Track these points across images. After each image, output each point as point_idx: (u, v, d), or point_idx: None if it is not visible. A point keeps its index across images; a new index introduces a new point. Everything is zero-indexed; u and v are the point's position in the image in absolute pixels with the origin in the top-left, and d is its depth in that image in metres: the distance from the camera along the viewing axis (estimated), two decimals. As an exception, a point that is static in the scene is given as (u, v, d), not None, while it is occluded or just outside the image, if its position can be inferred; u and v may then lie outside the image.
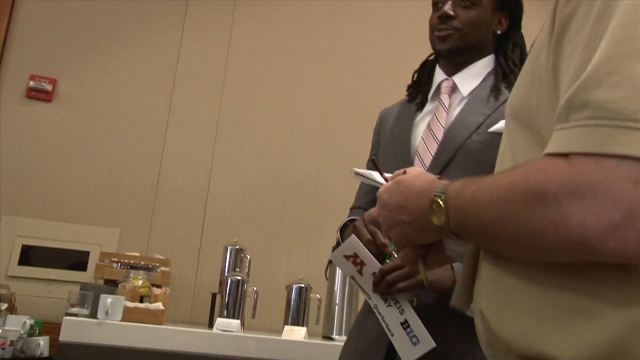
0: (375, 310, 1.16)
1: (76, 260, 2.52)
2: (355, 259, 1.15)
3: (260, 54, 2.97)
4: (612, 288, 0.57)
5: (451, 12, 1.37)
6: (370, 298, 1.17)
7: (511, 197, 0.59)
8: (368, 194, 1.48)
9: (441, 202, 0.69)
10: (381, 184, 0.97)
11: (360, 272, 1.16)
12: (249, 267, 2.46)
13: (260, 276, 2.66)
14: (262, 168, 2.84)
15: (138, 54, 2.82)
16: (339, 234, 1.41)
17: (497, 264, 0.69)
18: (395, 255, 1.17)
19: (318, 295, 2.37)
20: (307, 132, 2.94)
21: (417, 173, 0.84)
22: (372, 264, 1.15)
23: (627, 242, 0.51)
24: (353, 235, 1.16)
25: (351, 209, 1.53)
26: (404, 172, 0.86)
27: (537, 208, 0.55)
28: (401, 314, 1.13)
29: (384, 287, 1.13)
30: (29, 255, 2.48)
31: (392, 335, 1.13)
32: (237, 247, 2.45)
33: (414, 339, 1.11)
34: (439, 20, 1.38)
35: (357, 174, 1.07)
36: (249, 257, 2.47)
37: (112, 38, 2.80)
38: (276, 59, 2.98)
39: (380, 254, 1.17)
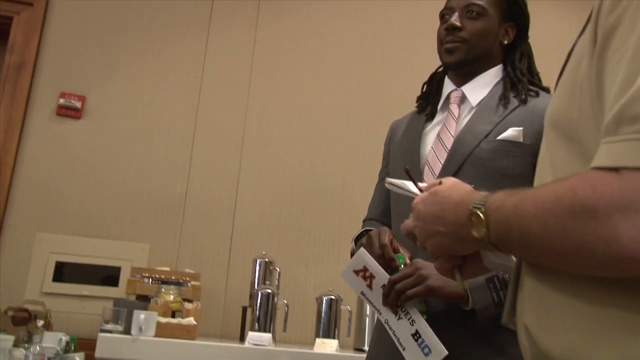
0: (386, 325, 1.16)
1: (108, 276, 2.55)
2: (364, 273, 1.16)
3: (285, 63, 2.98)
4: None
5: (458, 24, 1.37)
6: (381, 314, 1.17)
7: (558, 210, 0.58)
8: (380, 205, 1.50)
9: (481, 214, 0.68)
10: (415, 194, 0.96)
11: (370, 286, 1.16)
12: (278, 280, 2.46)
13: (290, 288, 2.66)
14: (288, 178, 2.85)
15: (163, 67, 2.85)
16: (353, 244, 1.42)
17: (540, 278, 0.69)
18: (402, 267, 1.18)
19: (349, 307, 2.36)
20: (333, 141, 2.94)
21: (453, 183, 0.83)
22: (382, 276, 1.16)
23: None
24: (362, 248, 1.17)
25: (364, 220, 1.54)
26: (440, 183, 0.85)
27: (587, 223, 0.55)
28: (412, 325, 1.13)
29: (394, 296, 1.14)
30: (63, 272, 2.52)
31: (403, 349, 1.13)
32: (266, 259, 2.45)
33: (426, 350, 1.11)
34: (446, 32, 1.39)
35: (391, 184, 1.06)
36: (278, 269, 2.47)
37: (137, 53, 2.84)
38: (300, 67, 2.99)
39: (390, 267, 1.18)
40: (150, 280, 2.33)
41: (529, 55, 1.44)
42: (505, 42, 1.43)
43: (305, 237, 2.81)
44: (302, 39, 3.02)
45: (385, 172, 1.54)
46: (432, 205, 0.80)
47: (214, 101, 2.87)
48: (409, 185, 1.00)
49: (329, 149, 2.92)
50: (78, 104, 2.69)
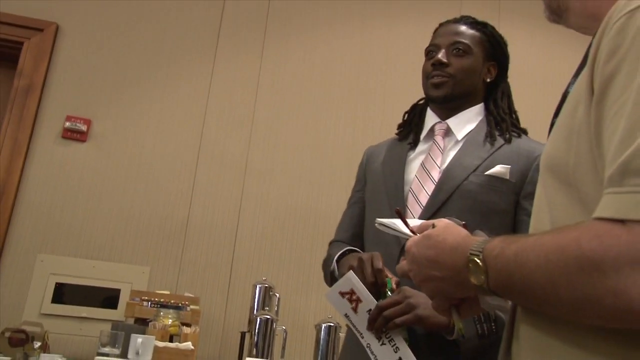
0: (367, 349, 1.15)
1: (107, 298, 2.55)
2: (351, 296, 1.15)
3: (289, 93, 3.02)
4: None
5: (445, 60, 1.43)
6: (363, 337, 1.15)
7: (563, 261, 0.57)
8: (350, 230, 1.51)
9: (479, 262, 0.68)
10: (408, 235, 0.96)
11: (355, 309, 1.15)
12: (277, 306, 2.45)
13: (290, 315, 2.64)
14: (290, 205, 2.86)
15: (169, 94, 2.89)
16: (335, 263, 1.42)
17: (537, 324, 0.68)
18: (390, 294, 1.17)
19: (355, 332, 2.34)
20: (335, 168, 2.95)
21: (446, 225, 0.82)
22: (369, 301, 1.15)
23: None
24: (351, 271, 1.17)
25: (331, 242, 1.55)
26: (433, 225, 0.84)
27: (593, 275, 0.54)
28: (395, 352, 1.12)
29: (381, 322, 1.13)
30: (62, 293, 2.52)
31: None
32: (266, 285, 2.44)
33: None
34: (433, 67, 1.44)
35: (381, 224, 1.06)
36: (277, 295, 2.46)
37: (144, 79, 2.89)
38: (304, 96, 3.03)
39: (378, 292, 1.18)
40: (149, 303, 2.33)
41: (508, 95, 1.50)
42: (488, 80, 1.48)
43: (305, 264, 2.80)
44: (307, 69, 3.07)
45: (357, 196, 1.56)
46: (427, 249, 0.80)
47: (218, 129, 2.90)
48: (400, 225, 1.00)
49: (332, 178, 2.93)
50: (84, 127, 2.72)
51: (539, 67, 3.03)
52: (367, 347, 1.15)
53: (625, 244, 0.53)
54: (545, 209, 0.72)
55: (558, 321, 0.64)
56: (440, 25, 1.56)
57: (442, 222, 0.84)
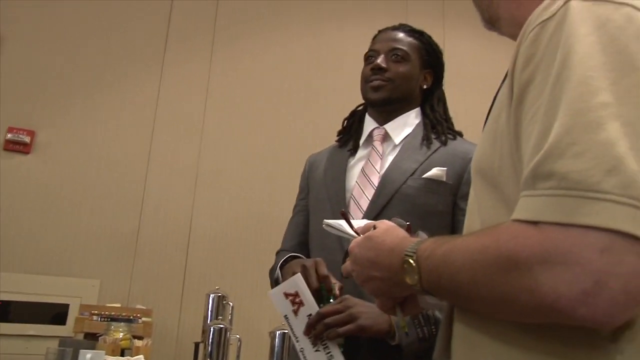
0: (300, 354, 1.16)
1: (56, 314, 2.48)
2: (294, 298, 1.16)
3: (239, 98, 3.00)
4: (583, 352, 0.59)
5: (384, 65, 1.45)
6: (298, 341, 1.16)
7: (484, 261, 0.60)
8: (295, 238, 1.53)
9: (413, 262, 0.70)
10: (352, 236, 0.98)
11: (295, 312, 1.16)
12: (231, 314, 2.43)
13: (244, 323, 2.63)
14: (243, 213, 2.84)
15: (116, 101, 2.84)
16: (279, 271, 1.43)
17: (469, 322, 0.71)
18: (332, 300, 1.18)
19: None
20: (287, 173, 2.95)
21: (387, 228, 0.85)
22: (311, 306, 1.16)
23: (597, 310, 0.53)
24: (299, 274, 1.18)
25: (278, 252, 1.56)
26: (374, 227, 0.86)
27: (511, 273, 0.57)
28: (329, 359, 1.13)
29: (321, 329, 1.14)
30: (8, 311, 2.44)
31: None
32: (220, 294, 2.42)
33: None
34: (372, 72, 1.48)
35: (328, 225, 1.08)
36: (231, 304, 2.44)
37: (90, 87, 2.82)
38: (255, 102, 3.02)
39: (319, 296, 1.19)
40: (100, 317, 2.28)
41: (444, 102, 1.55)
42: (424, 86, 1.53)
43: (260, 272, 2.77)
44: (257, 73, 3.06)
45: (301, 204, 1.58)
46: (368, 250, 0.82)
47: (168, 135, 2.86)
48: (345, 226, 1.02)
49: (284, 183, 2.93)
50: (27, 139, 2.65)
51: (483, 69, 3.10)
52: (301, 351, 1.15)
53: (537, 244, 0.55)
54: (476, 211, 0.76)
55: (488, 319, 0.67)
56: (379, 32, 1.60)
57: (383, 224, 0.87)
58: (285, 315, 1.17)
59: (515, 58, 0.67)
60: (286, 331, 2.30)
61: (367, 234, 0.86)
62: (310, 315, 1.16)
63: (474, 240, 0.63)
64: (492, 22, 0.89)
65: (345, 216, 1.03)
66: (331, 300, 1.20)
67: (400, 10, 3.31)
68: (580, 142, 0.55)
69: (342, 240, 1.26)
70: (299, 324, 1.16)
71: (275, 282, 1.48)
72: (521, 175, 0.63)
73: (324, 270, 1.22)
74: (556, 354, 0.60)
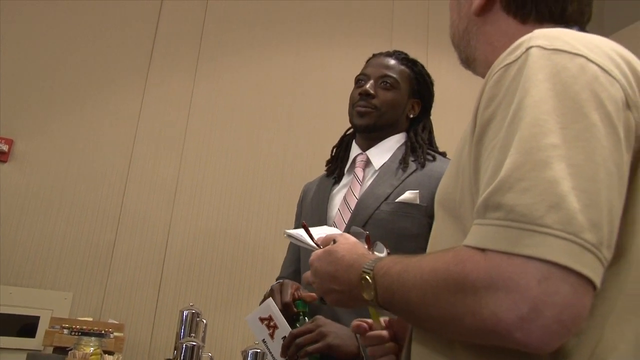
0: None
1: (25, 327, 2.44)
2: (269, 322, 1.19)
3: (221, 114, 3.01)
4: None
5: (372, 91, 1.47)
6: None
7: (434, 282, 0.63)
8: (292, 265, 1.54)
9: (369, 279, 0.74)
10: (312, 247, 1.01)
11: (272, 335, 1.19)
12: (204, 332, 2.42)
13: (217, 341, 2.61)
14: (220, 230, 2.84)
15: (98, 113, 2.83)
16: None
17: (423, 341, 0.75)
18: (306, 320, 1.20)
19: (270, 358, 2.34)
20: (267, 195, 2.96)
21: (347, 243, 0.88)
22: (284, 328, 1.20)
23: (531, 336, 0.56)
24: (270, 298, 1.20)
25: (277, 279, 1.57)
26: (334, 241, 0.90)
27: (457, 295, 0.60)
28: None
29: (293, 350, 1.16)
30: (-24, 322, 2.40)
31: None
32: (193, 310, 2.41)
33: None
34: (360, 97, 1.49)
35: (289, 235, 1.10)
36: (205, 321, 2.43)
37: (72, 97, 2.81)
38: (236, 120, 3.02)
39: (292, 318, 1.21)
40: (70, 331, 2.25)
41: (430, 130, 1.57)
42: (411, 115, 1.55)
43: (235, 290, 2.78)
44: (240, 90, 3.07)
45: None
46: (328, 265, 0.86)
47: (149, 150, 2.86)
48: (305, 237, 1.04)
49: (263, 202, 2.94)
50: (5, 147, 2.62)
51: (463, 96, 3.15)
52: None
53: (483, 270, 0.58)
54: (439, 240, 0.80)
55: (440, 337, 0.71)
56: (374, 55, 1.61)
57: (342, 238, 0.90)
58: (263, 340, 1.20)
59: (480, 97, 0.71)
60: (258, 350, 2.30)
61: (327, 248, 0.89)
62: (284, 337, 1.18)
63: (426, 261, 0.66)
64: (468, 63, 0.94)
65: (306, 228, 1.06)
66: (306, 319, 1.22)
67: (385, 34, 3.36)
68: (528, 178, 0.58)
69: None
70: (276, 346, 1.20)
71: None
72: None
73: (285, 296, 1.24)
74: None
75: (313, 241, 1.03)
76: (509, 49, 0.70)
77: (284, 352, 1.18)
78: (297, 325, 1.23)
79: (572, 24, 0.82)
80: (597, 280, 0.57)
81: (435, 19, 3.41)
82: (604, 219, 0.58)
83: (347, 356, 1.18)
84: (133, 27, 2.98)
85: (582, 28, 0.84)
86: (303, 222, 1.11)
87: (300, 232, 1.08)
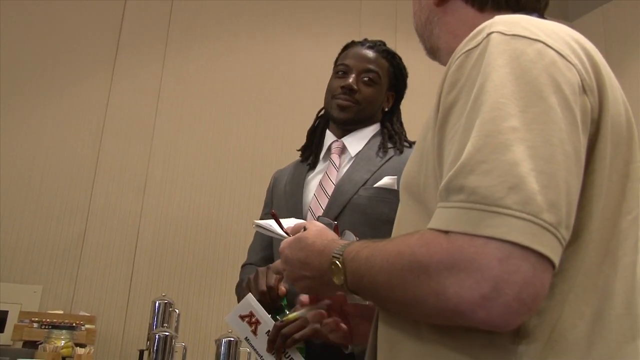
0: None
1: (-7, 321, 2.40)
2: (250, 319, 1.17)
3: (190, 104, 2.98)
4: (490, 352, 0.64)
5: (355, 87, 1.47)
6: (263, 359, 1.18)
7: (399, 265, 0.64)
8: (261, 252, 1.54)
9: (339, 264, 0.75)
10: (282, 236, 1.01)
11: (254, 332, 1.17)
12: (177, 322, 2.41)
13: (191, 331, 2.61)
14: (191, 220, 2.83)
15: (64, 104, 2.78)
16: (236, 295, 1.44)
17: (390, 322, 0.76)
18: (287, 312, 1.20)
19: (248, 349, 2.35)
20: (236, 180, 2.95)
21: (317, 230, 0.89)
22: (267, 322, 1.17)
23: (493, 314, 0.57)
24: (250, 294, 1.19)
25: (243, 265, 1.57)
26: (305, 228, 0.91)
27: (421, 277, 0.61)
28: None
29: (280, 342, 1.16)
30: (-58, 319, 2.35)
31: None
32: (166, 301, 2.40)
33: None
34: (342, 90, 1.48)
35: (258, 225, 1.10)
36: (177, 311, 2.42)
37: (36, 89, 2.76)
38: (206, 107, 3.00)
39: (274, 308, 1.21)
40: (40, 324, 2.22)
41: (400, 120, 1.60)
42: (386, 109, 1.57)
43: (207, 279, 2.78)
44: (209, 80, 3.05)
45: (266, 219, 1.59)
46: (298, 251, 0.87)
47: (117, 141, 2.82)
48: (276, 227, 1.04)
49: (235, 190, 2.93)
50: (-32, 140, 2.56)
51: (431, 79, 3.17)
52: None
53: (446, 251, 0.59)
54: (403, 224, 0.81)
55: (405, 319, 0.72)
56: (353, 43, 1.60)
57: (312, 225, 0.91)
58: (246, 337, 1.18)
59: (443, 82, 0.72)
60: (232, 339, 2.30)
61: (297, 235, 0.90)
62: (268, 332, 1.17)
63: (392, 245, 0.68)
64: (433, 53, 0.96)
65: (275, 216, 1.07)
66: (286, 311, 1.21)
67: (354, 22, 3.36)
68: (488, 160, 0.60)
69: None
70: (261, 342, 1.17)
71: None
72: None
73: (270, 280, 1.24)
74: (465, 352, 0.66)
75: (283, 230, 1.03)
76: (470, 35, 0.72)
77: (270, 346, 1.17)
78: (279, 318, 1.22)
79: (530, 11, 0.83)
80: (556, 259, 0.58)
81: (403, 8, 3.42)
82: (562, 200, 0.59)
83: (329, 344, 1.18)
84: (99, 17, 2.92)
85: (541, 15, 0.86)
86: (272, 211, 1.11)
87: (270, 222, 1.08)
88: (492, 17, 0.73)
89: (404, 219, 0.80)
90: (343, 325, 1.01)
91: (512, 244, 0.56)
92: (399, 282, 0.64)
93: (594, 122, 0.68)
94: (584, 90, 0.67)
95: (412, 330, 0.71)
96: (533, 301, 0.57)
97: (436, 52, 0.94)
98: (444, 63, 0.94)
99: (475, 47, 0.69)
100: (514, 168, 0.58)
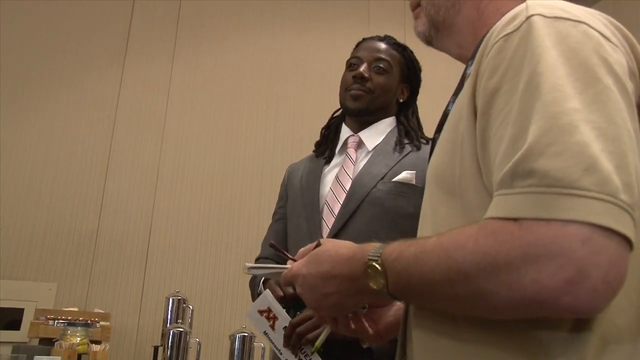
0: None
1: (9, 319, 2.42)
2: (268, 314, 1.18)
3: (201, 98, 2.98)
4: (522, 342, 0.62)
5: (366, 75, 1.47)
6: (281, 354, 1.19)
7: (460, 258, 0.61)
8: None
9: (378, 266, 0.70)
10: (284, 267, 0.95)
11: (272, 326, 1.18)
12: (191, 318, 2.42)
13: (204, 326, 2.62)
14: (203, 212, 2.83)
15: (76, 99, 2.79)
16: (262, 284, 1.44)
17: (428, 327, 0.73)
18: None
19: (262, 344, 2.35)
20: (248, 177, 2.95)
21: (335, 242, 0.84)
22: (284, 318, 1.18)
23: (581, 298, 0.54)
24: (267, 290, 1.20)
25: (257, 259, 1.57)
26: (317, 245, 0.85)
27: (488, 269, 0.58)
28: None
29: (296, 339, 1.16)
30: (-41, 317, 2.38)
31: None
32: (179, 297, 2.41)
33: None
34: (354, 80, 1.49)
35: (251, 268, 1.05)
36: (191, 307, 2.43)
37: (49, 83, 2.76)
38: (217, 102, 3.00)
39: (291, 308, 1.21)
40: (55, 322, 2.24)
41: (417, 115, 1.59)
42: (401, 100, 1.56)
43: (220, 274, 2.78)
44: (218, 74, 3.04)
45: (281, 212, 1.59)
46: (319, 266, 0.80)
47: (129, 136, 2.83)
48: (272, 263, 1.02)
49: (246, 185, 2.93)
50: (-20, 138, 2.58)
51: (439, 73, 3.15)
52: None
53: (519, 239, 0.56)
54: (429, 219, 0.77)
55: (445, 321, 0.69)
56: (364, 39, 1.61)
57: (326, 240, 0.86)
58: (265, 332, 1.20)
59: (478, 69, 0.70)
60: (246, 334, 2.31)
61: (313, 252, 0.84)
62: (285, 327, 1.18)
63: (448, 238, 0.64)
64: (435, 27, 0.90)
65: (275, 247, 1.05)
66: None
67: (362, 16, 3.34)
68: (558, 142, 0.57)
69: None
70: (278, 337, 1.19)
71: (256, 294, 1.49)
72: (487, 180, 0.65)
73: (288, 290, 1.24)
74: (507, 347, 0.63)
75: (288, 258, 1.00)
76: (505, 20, 0.69)
77: (286, 342, 1.18)
78: (299, 312, 1.23)
79: None
80: (634, 240, 0.56)
81: None
82: (634, 180, 0.58)
83: (348, 338, 1.18)
84: (109, 11, 2.93)
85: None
86: (271, 242, 1.10)
87: (262, 265, 1.05)
88: (520, 2, 0.71)
89: (434, 213, 0.76)
90: (364, 322, 0.98)
91: (593, 226, 0.54)
92: (462, 277, 0.60)
93: (637, 106, 0.66)
94: (628, 74, 0.66)
95: (450, 329, 0.68)
96: (618, 283, 0.55)
97: (440, 30, 0.89)
98: (444, 44, 0.91)
99: (514, 31, 0.66)
100: (585, 149, 0.57)
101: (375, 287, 0.71)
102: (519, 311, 0.59)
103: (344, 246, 0.81)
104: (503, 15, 0.71)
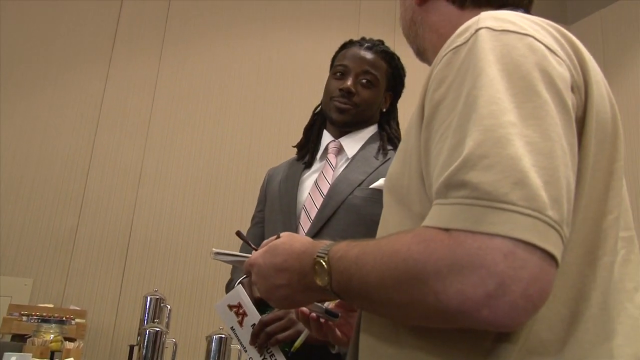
0: None
1: (-18, 314, 2.38)
2: (238, 309, 1.17)
3: (186, 98, 2.97)
4: (456, 351, 0.63)
5: (354, 90, 1.46)
6: (246, 351, 1.18)
7: (393, 264, 0.61)
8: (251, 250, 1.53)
9: (324, 263, 0.71)
10: (244, 256, 0.97)
11: (240, 323, 1.17)
12: (168, 317, 2.40)
13: (181, 326, 2.60)
14: (184, 215, 2.81)
15: (60, 96, 2.76)
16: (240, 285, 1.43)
17: (371, 327, 0.74)
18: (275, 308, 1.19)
19: (239, 346, 2.33)
20: (231, 175, 2.93)
21: (292, 236, 0.85)
22: (253, 315, 1.17)
23: (498, 312, 0.55)
24: (240, 286, 1.19)
25: None
26: (277, 237, 0.86)
27: (419, 276, 0.58)
28: None
29: (264, 338, 1.15)
30: None
31: None
32: (157, 296, 2.38)
33: None
34: (340, 93, 1.46)
35: (217, 254, 1.06)
36: (169, 307, 2.41)
37: (32, 80, 2.74)
38: (202, 100, 2.99)
39: (261, 306, 1.20)
40: (30, 318, 2.21)
41: (397, 120, 1.58)
42: (384, 109, 1.56)
43: (199, 275, 2.76)
44: (205, 74, 3.03)
45: (259, 216, 1.58)
46: (273, 257, 0.82)
47: (112, 134, 2.80)
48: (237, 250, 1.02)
49: (228, 187, 2.91)
50: (-40, 130, 2.54)
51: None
52: None
53: (447, 249, 0.57)
54: (386, 227, 0.78)
55: (387, 325, 0.70)
56: (351, 43, 1.58)
57: (286, 234, 0.87)
58: (232, 327, 1.18)
59: (428, 80, 0.71)
60: (223, 335, 2.29)
61: (271, 243, 0.85)
62: (254, 324, 1.16)
63: (385, 243, 0.65)
64: (421, 54, 0.94)
65: (240, 235, 1.05)
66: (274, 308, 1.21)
67: (352, 17, 3.35)
68: (490, 155, 0.58)
69: None
70: (245, 334, 1.17)
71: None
72: (429, 190, 0.66)
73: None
74: (442, 355, 0.64)
75: (251, 247, 1.01)
76: (456, 33, 0.70)
77: (254, 339, 1.16)
78: (268, 311, 1.21)
79: (513, 7, 0.82)
80: (560, 257, 0.57)
81: (403, 4, 3.41)
82: (563, 196, 0.58)
83: (318, 342, 1.17)
84: (96, 8, 2.90)
85: (527, 10, 0.84)
86: (237, 230, 1.10)
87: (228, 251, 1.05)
88: (474, 14, 0.72)
89: (387, 222, 0.78)
90: (330, 325, 0.98)
91: (517, 240, 0.55)
92: (394, 282, 0.61)
93: (579, 120, 0.67)
94: (571, 87, 0.66)
95: (392, 335, 0.69)
96: (540, 298, 0.55)
97: (423, 53, 0.93)
98: (430, 63, 0.93)
99: (463, 44, 0.67)
100: (517, 163, 0.57)
101: (320, 283, 0.72)
102: (449, 320, 0.59)
103: (299, 241, 0.82)
104: (457, 28, 0.72)
